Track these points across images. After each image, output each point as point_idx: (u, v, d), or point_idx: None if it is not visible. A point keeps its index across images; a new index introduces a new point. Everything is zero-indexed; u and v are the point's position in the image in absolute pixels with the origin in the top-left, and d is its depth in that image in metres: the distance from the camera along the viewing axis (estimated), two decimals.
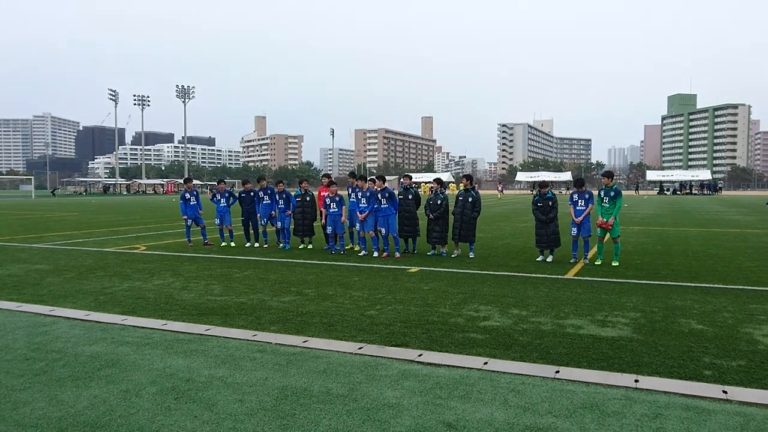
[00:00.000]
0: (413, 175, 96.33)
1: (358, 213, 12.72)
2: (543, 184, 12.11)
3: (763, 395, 4.33)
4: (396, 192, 12.81)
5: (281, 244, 14.11)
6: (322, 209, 13.53)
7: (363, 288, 8.73)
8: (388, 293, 8.28)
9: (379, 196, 12.35)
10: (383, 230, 12.31)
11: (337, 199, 13.01)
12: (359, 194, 12.74)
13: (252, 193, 14.75)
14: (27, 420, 3.94)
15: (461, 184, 12.73)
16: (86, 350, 5.54)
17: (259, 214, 14.42)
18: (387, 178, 13.21)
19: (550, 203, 11.67)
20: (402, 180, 13.49)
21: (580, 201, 11.50)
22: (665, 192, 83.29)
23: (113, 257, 12.60)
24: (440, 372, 4.89)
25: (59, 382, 4.68)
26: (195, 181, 16.80)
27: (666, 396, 4.32)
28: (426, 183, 72.62)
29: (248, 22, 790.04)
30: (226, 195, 15.04)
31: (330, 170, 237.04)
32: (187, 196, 15.03)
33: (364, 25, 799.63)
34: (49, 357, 5.33)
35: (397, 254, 12.32)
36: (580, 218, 11.34)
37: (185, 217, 14.86)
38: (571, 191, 11.87)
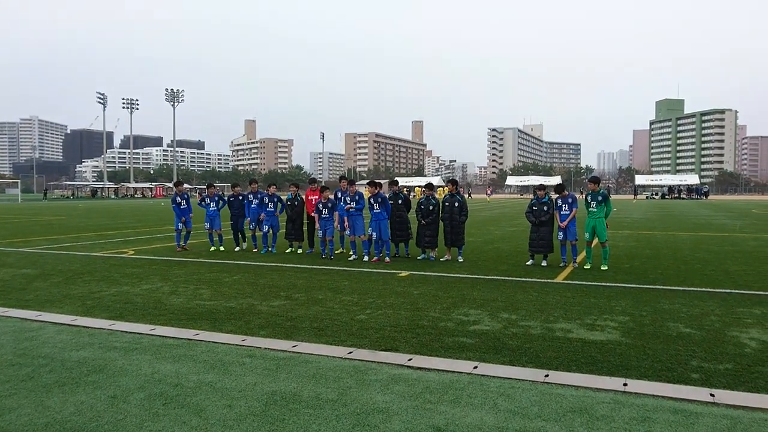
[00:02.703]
0: (402, 179, 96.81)
1: (346, 212, 12.73)
2: (540, 187, 12.11)
3: (749, 398, 4.37)
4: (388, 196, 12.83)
5: (270, 248, 14.07)
6: (312, 214, 13.49)
7: (353, 292, 8.71)
8: (378, 297, 8.28)
9: (372, 200, 12.35)
10: (375, 234, 12.32)
11: (330, 205, 12.96)
12: (347, 198, 12.75)
13: (241, 197, 14.73)
14: (13, 426, 3.89)
15: (446, 189, 12.77)
16: (73, 355, 5.48)
17: (248, 219, 14.37)
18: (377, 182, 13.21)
19: (545, 208, 11.71)
20: (390, 187, 13.51)
21: (564, 206, 11.59)
22: (653, 197, 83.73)
23: (101, 261, 12.50)
24: (430, 376, 4.89)
25: (46, 387, 4.63)
26: (185, 185, 16.67)
27: (654, 399, 4.34)
28: (419, 187, 72.90)
29: (243, 26, 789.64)
30: (216, 199, 15.00)
31: (320, 174, 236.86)
32: (178, 200, 14.98)
33: (357, 28, 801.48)
34: (36, 362, 5.28)
35: (387, 258, 12.32)
36: (565, 222, 11.42)
37: (183, 218, 14.79)
38: (555, 197, 11.93)
